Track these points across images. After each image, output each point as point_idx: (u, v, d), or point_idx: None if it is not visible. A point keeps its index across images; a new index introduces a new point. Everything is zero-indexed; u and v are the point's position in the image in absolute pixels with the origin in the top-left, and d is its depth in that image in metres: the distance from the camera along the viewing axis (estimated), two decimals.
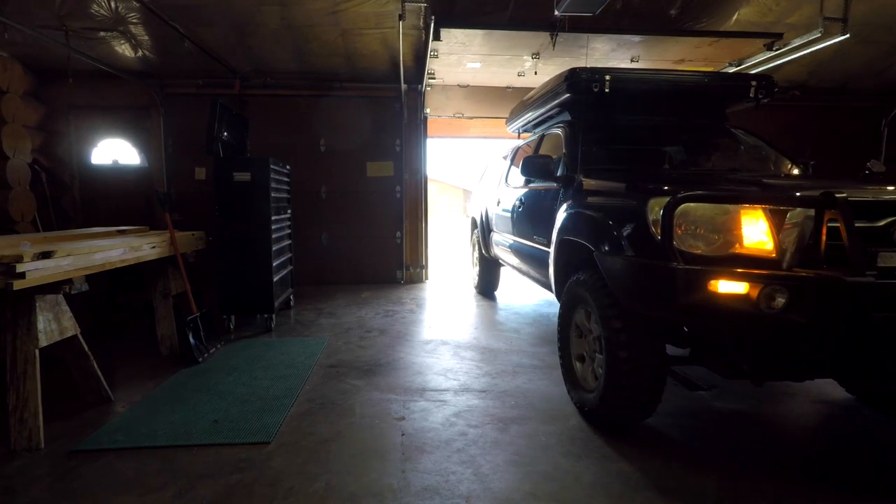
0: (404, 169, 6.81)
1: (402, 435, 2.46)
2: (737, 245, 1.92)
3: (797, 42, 4.70)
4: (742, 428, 2.56)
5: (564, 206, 2.95)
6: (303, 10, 4.67)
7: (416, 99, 6.69)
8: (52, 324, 2.50)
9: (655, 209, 2.06)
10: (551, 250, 3.09)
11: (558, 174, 3.21)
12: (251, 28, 5.04)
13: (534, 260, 3.64)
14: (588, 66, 3.52)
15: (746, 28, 4.87)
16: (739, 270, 1.84)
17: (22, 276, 2.21)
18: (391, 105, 6.68)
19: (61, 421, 2.60)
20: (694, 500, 1.94)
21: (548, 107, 3.82)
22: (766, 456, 2.28)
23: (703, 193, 1.99)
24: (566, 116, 3.74)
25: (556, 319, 4.83)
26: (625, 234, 2.23)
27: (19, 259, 2.20)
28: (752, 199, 1.95)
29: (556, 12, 4.05)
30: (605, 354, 2.34)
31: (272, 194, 4.29)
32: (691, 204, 1.94)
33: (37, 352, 2.38)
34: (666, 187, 2.16)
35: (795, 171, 3.29)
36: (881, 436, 2.49)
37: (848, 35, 4.35)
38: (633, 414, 2.38)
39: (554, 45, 4.99)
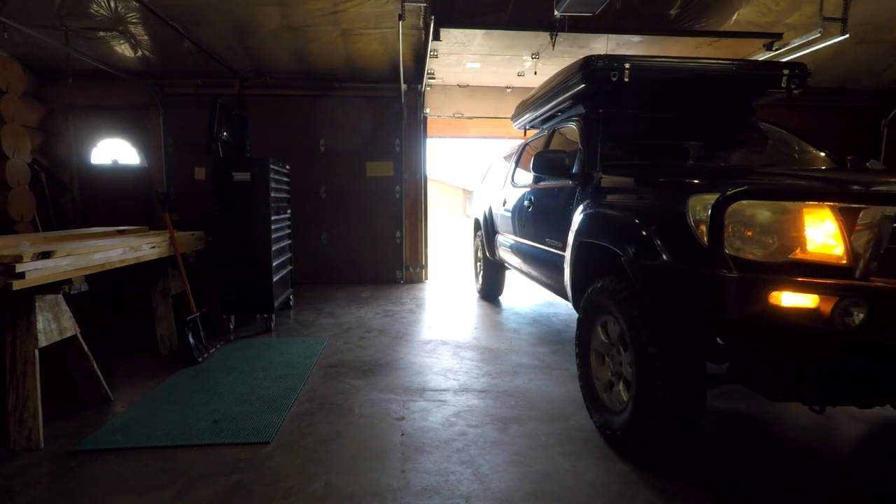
0: (404, 169, 6.81)
1: (402, 435, 2.46)
2: (798, 250, 1.64)
3: (797, 42, 4.69)
4: (743, 429, 2.56)
5: (583, 206, 2.71)
6: (302, 10, 4.67)
7: (416, 99, 6.69)
8: (52, 324, 2.50)
9: (697, 208, 1.82)
10: (567, 254, 2.85)
11: (574, 171, 2.99)
12: (251, 28, 5.04)
13: (546, 264, 3.42)
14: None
15: (746, 28, 4.88)
16: (810, 280, 1.57)
17: (21, 276, 2.21)
18: (391, 105, 6.68)
19: (61, 421, 2.60)
20: (694, 500, 1.94)
21: (559, 99, 3.57)
22: (768, 457, 2.28)
23: (760, 189, 1.73)
24: (580, 109, 3.49)
25: (556, 320, 4.84)
26: (659, 236, 1.98)
27: (19, 259, 2.20)
28: (821, 195, 1.67)
29: (556, 12, 4.05)
30: (635, 372, 2.08)
31: (272, 194, 4.29)
32: (744, 201, 1.68)
33: (36, 352, 2.38)
34: (707, 183, 1.93)
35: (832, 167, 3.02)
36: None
37: (847, 35, 4.35)
38: (669, 440, 2.09)
39: (553, 45, 4.99)
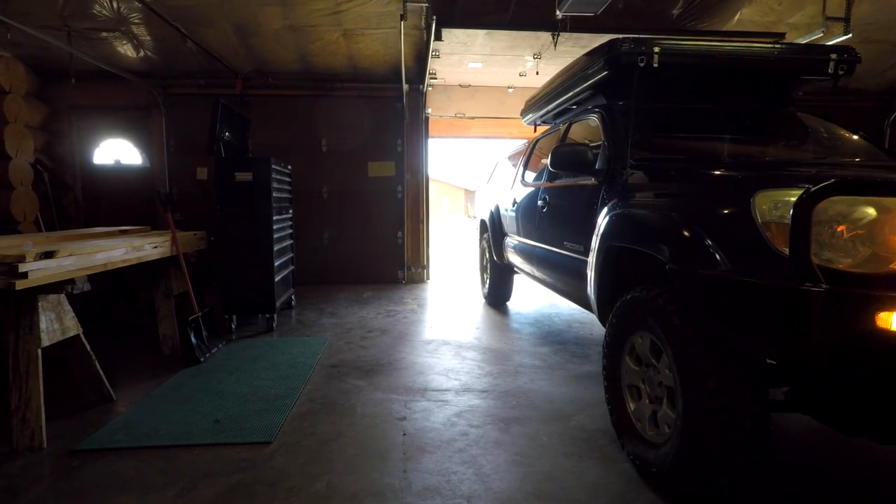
0: (406, 169, 6.81)
1: (404, 435, 2.46)
2: None
3: (799, 42, 4.69)
4: None
5: (610, 206, 2.43)
6: (304, 10, 4.67)
7: (418, 99, 6.69)
8: (55, 323, 2.50)
9: (764, 207, 1.54)
10: (591, 259, 2.55)
11: (597, 167, 2.71)
12: (253, 28, 5.05)
13: (564, 270, 3.14)
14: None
15: (748, 28, 4.87)
16: None
17: (24, 275, 2.22)
18: (393, 105, 6.68)
19: (63, 420, 2.61)
20: (697, 501, 1.93)
21: (578, 90, 3.25)
22: (769, 457, 2.27)
23: (857, 182, 1.44)
24: (601, 100, 3.17)
25: (557, 321, 4.84)
26: (716, 240, 1.67)
27: (22, 259, 2.20)
28: None
29: (558, 12, 4.06)
30: (682, 400, 1.76)
31: (274, 194, 4.29)
32: (835, 198, 1.39)
33: (39, 351, 2.38)
34: (773, 177, 1.66)
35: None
36: None
37: (850, 35, 4.34)
38: (723, 479, 1.76)
39: (555, 46, 4.99)
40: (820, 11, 4.33)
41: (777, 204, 1.52)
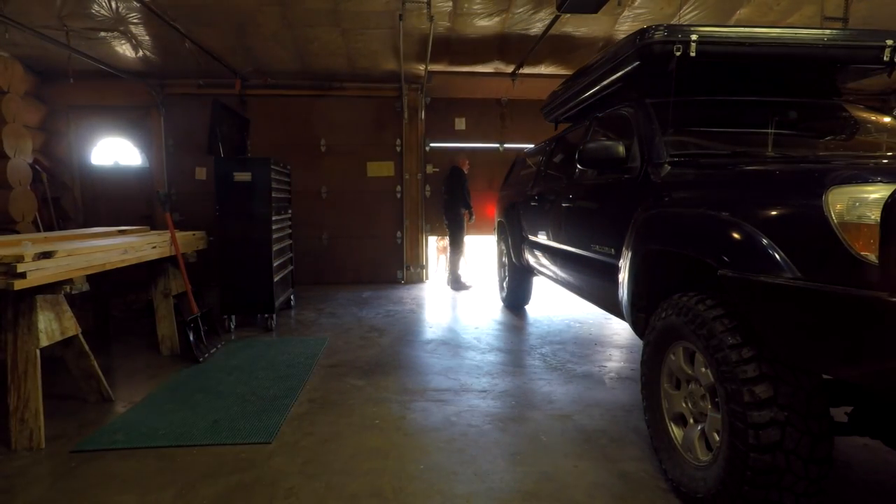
0: (405, 169, 6.82)
1: (403, 435, 2.46)
2: None
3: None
4: None
5: (645, 205, 2.28)
6: (303, 9, 4.67)
7: (417, 99, 6.69)
8: (53, 323, 2.50)
9: (839, 205, 1.35)
10: (624, 263, 2.39)
11: (630, 164, 2.56)
12: (252, 28, 5.05)
13: (591, 274, 2.96)
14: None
15: None
16: None
17: (23, 276, 2.22)
18: (391, 105, 6.69)
19: (62, 421, 2.60)
20: (697, 500, 1.93)
21: (606, 82, 3.07)
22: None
23: None
24: (632, 93, 2.99)
25: (556, 320, 4.84)
26: (782, 245, 1.49)
27: (20, 259, 2.20)
28: None
29: (557, 11, 4.08)
30: (730, 419, 1.59)
31: (273, 194, 4.29)
32: None
33: (38, 352, 2.38)
34: (848, 171, 1.47)
35: None
36: None
37: None
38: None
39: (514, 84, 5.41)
40: (818, 12, 4.34)
41: (856, 202, 1.33)
